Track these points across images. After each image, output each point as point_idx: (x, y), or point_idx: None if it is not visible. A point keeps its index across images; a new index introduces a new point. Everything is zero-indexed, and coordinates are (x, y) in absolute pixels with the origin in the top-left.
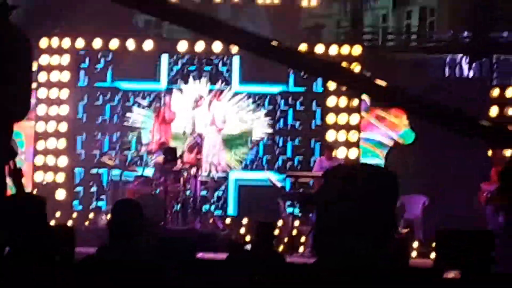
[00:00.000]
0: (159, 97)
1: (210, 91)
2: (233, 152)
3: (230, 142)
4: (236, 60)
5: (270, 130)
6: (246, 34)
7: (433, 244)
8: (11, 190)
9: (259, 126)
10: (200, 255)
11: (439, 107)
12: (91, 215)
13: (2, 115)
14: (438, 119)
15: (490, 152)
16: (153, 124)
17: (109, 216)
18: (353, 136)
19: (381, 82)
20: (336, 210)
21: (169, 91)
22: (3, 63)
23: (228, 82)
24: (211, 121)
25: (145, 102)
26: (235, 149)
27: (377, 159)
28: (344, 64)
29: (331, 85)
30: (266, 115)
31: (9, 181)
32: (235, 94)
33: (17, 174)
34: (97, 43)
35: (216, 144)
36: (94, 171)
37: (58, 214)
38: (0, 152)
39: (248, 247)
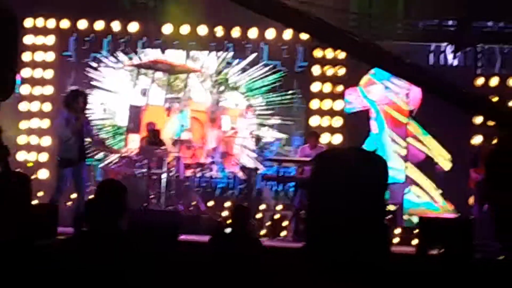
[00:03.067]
0: None
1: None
2: None
3: None
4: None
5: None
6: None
7: (416, 231)
8: None
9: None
10: (182, 237)
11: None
12: (73, 195)
13: None
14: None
15: (479, 139)
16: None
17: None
18: (336, 122)
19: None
20: (329, 195)
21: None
22: None
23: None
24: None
25: None
26: None
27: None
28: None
29: (315, 71)
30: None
31: None
32: None
33: (3, 151)
34: (82, 24)
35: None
36: None
37: (40, 193)
38: None
39: (228, 230)
